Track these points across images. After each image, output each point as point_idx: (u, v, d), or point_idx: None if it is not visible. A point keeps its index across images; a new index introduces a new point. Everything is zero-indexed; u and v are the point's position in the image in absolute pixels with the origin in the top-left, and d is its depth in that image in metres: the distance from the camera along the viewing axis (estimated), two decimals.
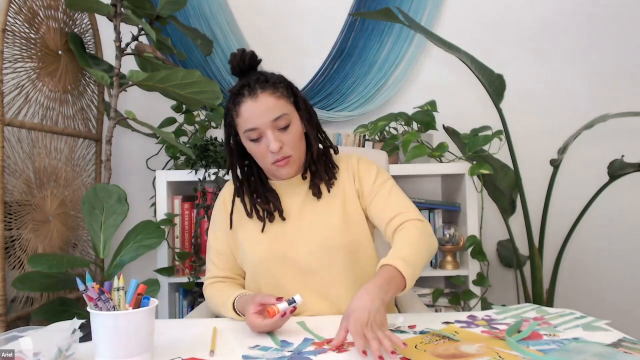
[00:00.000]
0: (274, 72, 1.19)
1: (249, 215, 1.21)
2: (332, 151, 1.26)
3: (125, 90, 1.85)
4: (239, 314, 1.11)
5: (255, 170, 1.24)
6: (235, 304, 1.12)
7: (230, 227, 1.24)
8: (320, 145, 1.24)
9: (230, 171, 1.24)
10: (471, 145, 1.83)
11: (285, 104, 1.14)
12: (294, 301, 0.99)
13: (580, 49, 2.29)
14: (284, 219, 1.19)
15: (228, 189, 1.29)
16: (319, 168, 1.22)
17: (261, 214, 1.20)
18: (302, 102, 1.19)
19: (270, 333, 0.99)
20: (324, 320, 1.08)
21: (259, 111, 1.11)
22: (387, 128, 2.04)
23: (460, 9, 2.29)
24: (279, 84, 1.14)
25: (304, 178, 1.23)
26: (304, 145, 1.20)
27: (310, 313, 1.15)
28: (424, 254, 1.08)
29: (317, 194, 1.20)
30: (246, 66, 1.17)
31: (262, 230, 1.19)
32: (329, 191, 1.21)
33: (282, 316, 0.97)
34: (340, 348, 0.89)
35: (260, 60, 1.19)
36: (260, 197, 1.21)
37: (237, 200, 1.24)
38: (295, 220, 1.20)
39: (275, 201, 1.20)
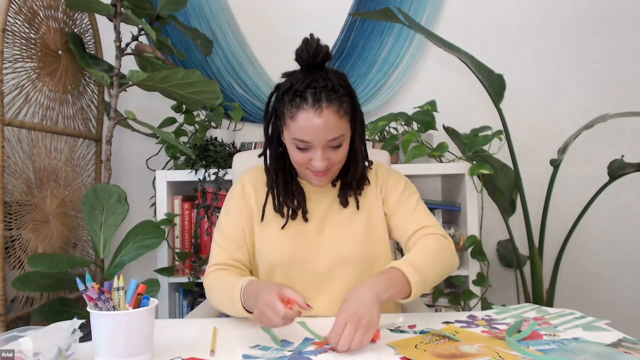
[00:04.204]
0: (337, 72, 1.10)
1: (277, 209, 1.16)
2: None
3: (125, 90, 1.85)
4: (244, 308, 1.01)
5: (287, 162, 1.18)
6: (243, 290, 1.01)
7: (262, 219, 1.18)
8: (366, 163, 1.20)
9: (263, 156, 1.19)
10: (471, 145, 1.83)
11: (345, 123, 1.08)
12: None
13: (580, 49, 2.29)
14: (306, 220, 1.17)
15: (250, 177, 1.24)
16: (354, 182, 1.19)
17: (284, 211, 1.17)
18: (359, 115, 1.13)
19: (270, 333, 0.99)
20: (325, 320, 1.08)
21: (317, 128, 1.03)
22: (387, 128, 2.04)
23: (460, 9, 2.29)
24: (345, 97, 1.07)
25: (332, 185, 1.21)
26: (345, 159, 1.15)
27: (322, 316, 1.13)
28: (438, 268, 1.07)
29: (344, 203, 1.18)
30: (316, 63, 1.07)
31: (283, 228, 1.16)
32: (357, 205, 1.19)
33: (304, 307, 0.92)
34: None
35: (330, 58, 1.09)
36: (287, 194, 1.17)
37: (254, 190, 1.20)
38: (317, 224, 1.18)
39: (301, 201, 1.17)
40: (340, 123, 1.06)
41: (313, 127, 1.03)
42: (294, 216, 1.16)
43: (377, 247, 1.19)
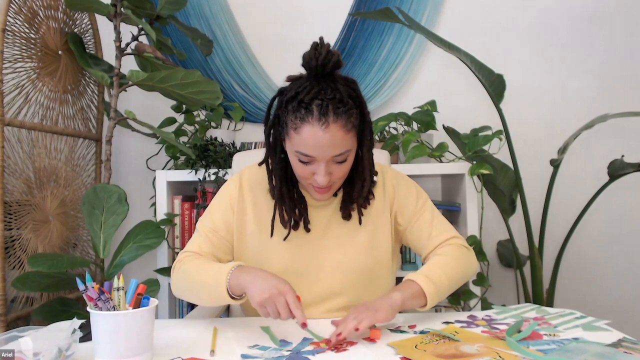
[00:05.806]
0: (347, 80, 1.03)
1: (284, 223, 1.12)
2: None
3: (125, 90, 1.85)
4: (229, 293, 0.98)
5: (289, 170, 1.12)
6: (231, 274, 0.98)
7: (272, 234, 1.13)
8: (375, 178, 1.15)
9: (264, 164, 1.13)
10: (471, 145, 1.83)
11: (352, 137, 1.02)
12: None
13: (580, 49, 2.29)
14: (308, 230, 1.14)
15: (248, 176, 1.19)
16: (359, 199, 1.13)
17: (286, 219, 1.12)
18: (368, 126, 1.07)
19: (269, 332, 0.99)
20: (324, 321, 1.08)
21: (323, 143, 0.98)
22: (387, 128, 2.04)
23: (460, 9, 2.29)
24: (353, 110, 1.01)
25: (334, 194, 1.15)
26: (348, 173, 1.09)
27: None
28: (455, 278, 1.10)
29: (347, 217, 1.14)
30: (325, 73, 1.00)
31: (285, 239, 1.13)
32: (359, 219, 1.15)
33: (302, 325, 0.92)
34: (339, 348, 0.89)
35: (341, 66, 1.01)
36: (291, 204, 1.12)
37: (251, 193, 1.16)
38: (319, 235, 1.15)
39: (303, 210, 1.13)
40: (346, 138, 1.00)
41: (318, 142, 0.98)
42: (296, 227, 1.13)
43: (380, 258, 1.17)
